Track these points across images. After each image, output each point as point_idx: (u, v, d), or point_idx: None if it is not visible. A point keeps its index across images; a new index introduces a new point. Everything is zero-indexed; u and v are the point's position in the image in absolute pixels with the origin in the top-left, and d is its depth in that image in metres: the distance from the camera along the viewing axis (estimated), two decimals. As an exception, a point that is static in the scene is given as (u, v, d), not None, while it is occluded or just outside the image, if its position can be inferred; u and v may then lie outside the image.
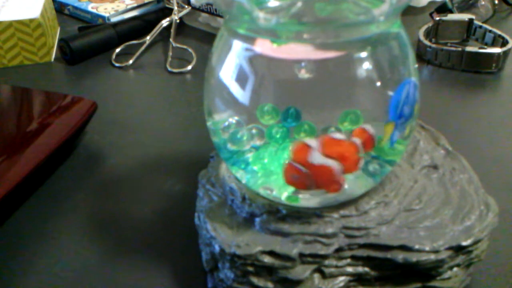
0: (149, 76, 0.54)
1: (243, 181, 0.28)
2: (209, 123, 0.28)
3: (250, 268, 0.25)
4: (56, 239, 0.32)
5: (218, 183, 0.31)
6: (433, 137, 0.33)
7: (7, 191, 0.33)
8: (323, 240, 0.26)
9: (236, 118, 0.27)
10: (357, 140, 0.25)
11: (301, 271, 0.25)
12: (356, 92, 0.25)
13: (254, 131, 0.27)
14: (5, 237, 0.33)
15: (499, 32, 0.53)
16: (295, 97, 0.26)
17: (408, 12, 0.67)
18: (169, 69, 0.54)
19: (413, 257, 0.25)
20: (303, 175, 0.25)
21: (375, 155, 0.26)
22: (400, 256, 0.25)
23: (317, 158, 0.24)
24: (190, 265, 0.30)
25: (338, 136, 0.25)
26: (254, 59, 0.25)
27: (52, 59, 0.58)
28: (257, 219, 0.27)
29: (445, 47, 0.52)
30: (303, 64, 0.24)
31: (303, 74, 0.24)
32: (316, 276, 0.26)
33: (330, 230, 0.26)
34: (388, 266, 0.26)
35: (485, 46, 0.53)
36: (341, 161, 0.24)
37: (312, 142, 0.24)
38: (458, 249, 0.25)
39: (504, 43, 0.52)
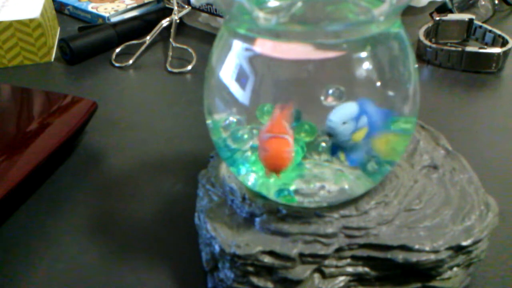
0: (149, 76, 0.54)
1: (241, 179, 0.28)
2: (209, 122, 0.28)
3: (250, 268, 0.25)
4: (56, 239, 0.32)
5: (218, 183, 0.31)
6: (433, 137, 0.33)
7: (7, 191, 0.33)
8: (323, 240, 0.26)
9: (237, 116, 0.27)
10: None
11: (301, 271, 0.25)
12: (356, 92, 0.25)
13: (255, 131, 0.27)
14: (5, 237, 0.33)
15: (499, 32, 0.53)
16: (295, 97, 0.26)
17: (408, 12, 0.67)
18: (169, 69, 0.54)
19: (413, 257, 0.25)
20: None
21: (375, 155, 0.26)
22: (400, 256, 0.25)
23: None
24: (190, 265, 0.30)
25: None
26: (254, 59, 0.25)
27: (52, 59, 0.58)
28: (257, 219, 0.27)
29: (445, 47, 0.52)
30: (330, 91, 0.24)
31: (330, 101, 0.24)
32: (316, 276, 0.26)
33: (330, 230, 0.26)
34: (388, 266, 0.26)
35: (485, 46, 0.53)
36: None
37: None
38: (458, 249, 0.25)
39: (504, 43, 0.52)
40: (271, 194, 0.27)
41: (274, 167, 0.24)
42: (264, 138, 0.24)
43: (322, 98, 0.24)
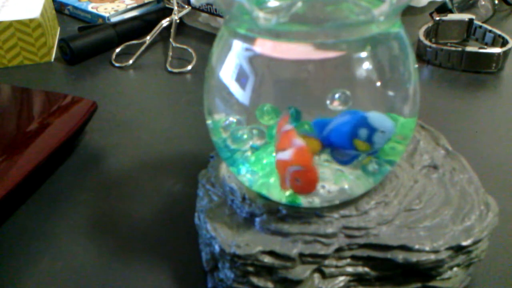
0: (149, 76, 0.54)
1: (243, 180, 0.28)
2: (209, 122, 0.28)
3: (250, 268, 0.25)
4: (56, 239, 0.32)
5: (218, 183, 0.31)
6: (433, 137, 0.33)
7: (7, 191, 0.33)
8: (323, 240, 0.26)
9: (237, 116, 0.27)
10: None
11: (301, 271, 0.25)
12: (356, 92, 0.25)
13: (255, 131, 0.27)
14: (5, 237, 0.33)
15: (499, 32, 0.53)
16: (295, 97, 0.26)
17: (408, 12, 0.67)
18: (169, 69, 0.54)
19: (413, 257, 0.25)
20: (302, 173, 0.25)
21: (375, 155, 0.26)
22: (400, 256, 0.25)
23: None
24: (190, 265, 0.30)
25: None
26: (254, 59, 0.25)
27: (52, 59, 0.58)
28: (257, 219, 0.27)
29: (445, 47, 0.52)
30: (336, 95, 0.24)
31: (336, 105, 0.24)
32: (316, 276, 0.26)
33: (330, 230, 0.26)
34: (388, 266, 0.26)
35: (485, 46, 0.53)
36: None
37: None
38: (458, 249, 0.25)
39: (504, 43, 0.52)
40: (275, 195, 0.27)
41: (304, 194, 0.26)
42: (294, 169, 0.25)
43: (328, 102, 0.24)
